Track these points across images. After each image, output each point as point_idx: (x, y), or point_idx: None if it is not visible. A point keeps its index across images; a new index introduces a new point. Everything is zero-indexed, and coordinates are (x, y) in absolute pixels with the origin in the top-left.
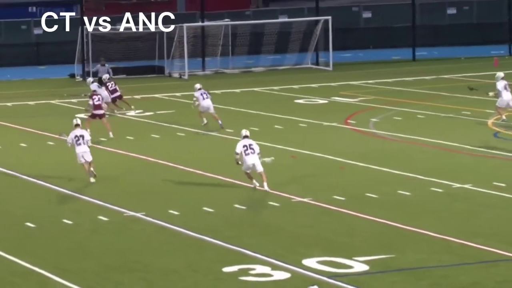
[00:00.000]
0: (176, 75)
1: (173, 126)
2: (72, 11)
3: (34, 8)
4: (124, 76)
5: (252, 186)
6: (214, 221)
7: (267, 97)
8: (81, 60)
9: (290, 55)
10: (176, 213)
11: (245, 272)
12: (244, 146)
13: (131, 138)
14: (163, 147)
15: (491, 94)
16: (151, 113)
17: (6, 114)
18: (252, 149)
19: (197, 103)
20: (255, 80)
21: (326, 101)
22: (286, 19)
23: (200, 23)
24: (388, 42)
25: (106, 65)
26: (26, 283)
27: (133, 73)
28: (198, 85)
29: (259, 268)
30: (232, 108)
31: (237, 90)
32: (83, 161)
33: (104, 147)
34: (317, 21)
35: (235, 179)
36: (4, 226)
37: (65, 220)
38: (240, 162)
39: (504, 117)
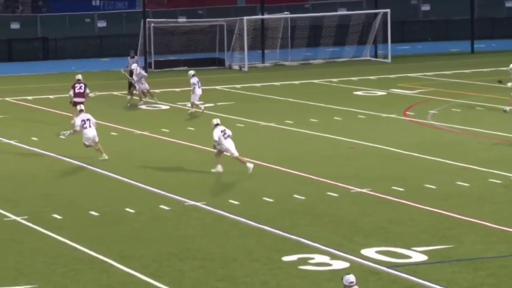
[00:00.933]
0: (236, 67)
1: (233, 117)
2: (134, 4)
3: (98, 2)
4: (185, 68)
5: (214, 169)
6: (273, 210)
7: (326, 89)
8: (143, 52)
9: (349, 47)
10: (236, 202)
11: (304, 261)
12: (222, 132)
13: (192, 129)
14: None
15: (509, 84)
16: (212, 104)
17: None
18: (228, 134)
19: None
20: (314, 72)
21: (384, 93)
22: (345, 12)
23: (260, 16)
24: (446, 35)
25: (136, 57)
26: (90, 270)
27: (194, 65)
28: (192, 72)
29: (318, 258)
30: (291, 99)
31: (296, 82)
32: (91, 143)
33: (165, 138)
34: (376, 14)
35: (294, 170)
36: (69, 214)
37: (127, 209)
38: (217, 147)
39: None
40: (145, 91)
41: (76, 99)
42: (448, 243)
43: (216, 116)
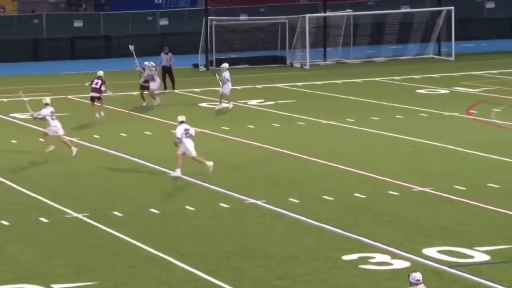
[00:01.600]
0: (297, 65)
1: (294, 115)
2: (196, 2)
3: (160, 0)
4: (246, 66)
5: (173, 173)
6: (334, 209)
7: (388, 87)
8: (204, 50)
9: (412, 45)
10: (296, 201)
11: (365, 260)
12: (184, 130)
13: (252, 127)
14: (284, 136)
15: None
16: (272, 102)
17: (131, 104)
18: (190, 134)
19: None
20: (376, 70)
21: (447, 91)
22: (409, 9)
23: (322, 14)
24: (511, 33)
25: (169, 54)
26: (150, 268)
27: (255, 63)
28: (226, 65)
29: (379, 257)
30: (353, 98)
31: (358, 80)
32: (56, 134)
33: (225, 135)
34: (439, 11)
35: (355, 168)
36: (129, 212)
37: (187, 207)
38: (179, 145)
39: None
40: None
41: (92, 94)
42: (511, 243)
43: (277, 114)
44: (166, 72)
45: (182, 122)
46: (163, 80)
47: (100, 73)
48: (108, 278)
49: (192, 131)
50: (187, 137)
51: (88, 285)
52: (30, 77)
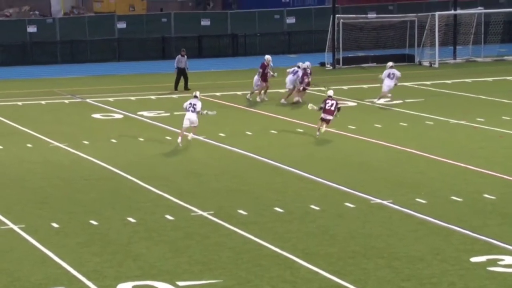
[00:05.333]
0: (426, 63)
1: (422, 114)
2: (324, 0)
3: None
4: (374, 64)
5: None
6: (462, 210)
7: None
8: (331, 48)
9: None
10: (423, 201)
11: (494, 262)
12: (189, 104)
13: (379, 126)
14: (411, 135)
15: None
16: (400, 101)
17: (257, 102)
18: (194, 107)
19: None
20: (507, 68)
21: None
22: None
23: (452, 11)
24: None
25: (185, 56)
26: (274, 266)
27: (383, 61)
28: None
29: (508, 259)
30: (483, 97)
31: (489, 79)
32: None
33: (351, 134)
34: None
35: (485, 169)
36: (254, 210)
37: (312, 206)
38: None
39: None
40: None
41: (323, 116)
42: None
43: (404, 113)
44: (182, 74)
45: (195, 97)
46: (177, 81)
47: (331, 92)
48: (232, 276)
49: (197, 106)
50: (187, 110)
51: (213, 283)
52: (158, 75)
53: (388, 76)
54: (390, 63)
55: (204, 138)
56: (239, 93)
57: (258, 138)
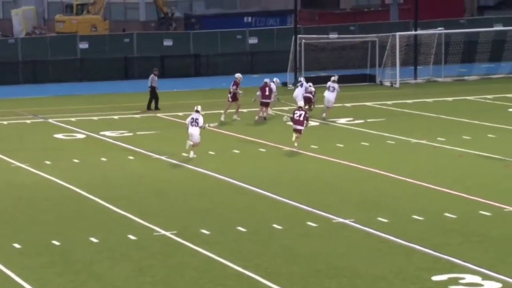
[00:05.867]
0: (387, 83)
1: (384, 134)
2: (286, 21)
3: (250, 18)
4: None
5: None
6: (424, 229)
7: (480, 106)
8: (293, 68)
9: (505, 63)
10: (385, 220)
11: (455, 281)
12: (191, 119)
13: (341, 145)
14: (373, 155)
15: None
16: (361, 121)
17: (220, 121)
18: (197, 122)
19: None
20: (468, 88)
21: None
22: (502, 28)
23: (413, 32)
24: None
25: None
26: (238, 286)
27: (345, 81)
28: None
29: (469, 278)
30: (443, 116)
31: (450, 99)
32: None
33: (314, 154)
34: None
35: (446, 188)
36: (218, 230)
37: (275, 225)
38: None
39: None
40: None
41: (294, 126)
42: None
43: (366, 133)
44: (154, 92)
45: (197, 111)
46: (150, 101)
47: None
48: None
49: (200, 120)
50: (192, 125)
51: None
52: (120, 95)
53: (328, 89)
54: (333, 77)
55: (166, 158)
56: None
57: (221, 157)
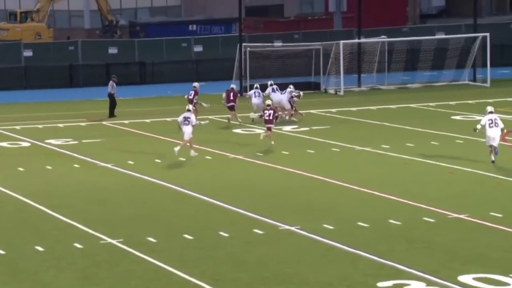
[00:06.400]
0: (331, 91)
1: (328, 141)
2: (231, 29)
3: (195, 26)
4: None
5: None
6: (369, 235)
7: (423, 113)
8: (238, 76)
9: (447, 71)
10: (330, 227)
11: (400, 287)
12: (183, 118)
13: (287, 153)
14: (318, 162)
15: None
16: (307, 128)
17: (165, 129)
18: (188, 120)
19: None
20: (411, 96)
21: (483, 118)
22: (444, 36)
23: (357, 40)
24: None
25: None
26: None
27: None
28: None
29: (414, 284)
30: (387, 124)
31: (393, 106)
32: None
33: (260, 162)
34: (475, 38)
35: (390, 195)
36: (164, 237)
37: (221, 233)
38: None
39: None
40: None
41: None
42: None
43: (311, 140)
44: (113, 99)
45: (188, 110)
46: (111, 107)
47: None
48: None
49: (192, 119)
50: (184, 124)
51: None
52: (65, 103)
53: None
54: (269, 82)
55: (112, 165)
56: (147, 120)
57: (166, 165)
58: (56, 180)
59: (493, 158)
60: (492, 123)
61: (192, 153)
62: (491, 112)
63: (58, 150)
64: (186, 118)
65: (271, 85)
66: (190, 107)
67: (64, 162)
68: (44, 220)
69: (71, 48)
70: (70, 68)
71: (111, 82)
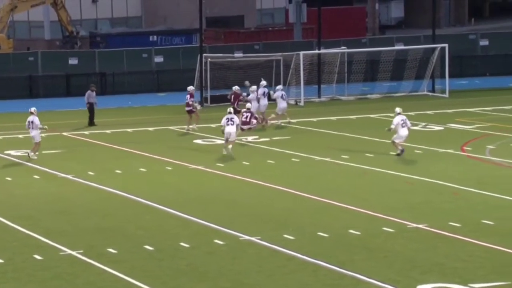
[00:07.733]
0: (292, 101)
1: (288, 151)
2: (191, 39)
3: (155, 37)
4: (241, 102)
5: (224, 150)
6: (329, 245)
7: (383, 124)
8: (199, 87)
9: (406, 82)
10: (291, 237)
11: None
12: (226, 119)
13: (247, 163)
14: (278, 172)
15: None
16: (267, 139)
17: (127, 140)
18: (232, 121)
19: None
20: (371, 106)
21: (442, 128)
22: (403, 47)
23: (316, 51)
24: (505, 70)
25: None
26: None
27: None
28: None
29: None
30: (347, 134)
31: (353, 117)
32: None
33: (220, 172)
34: (433, 49)
35: (350, 205)
36: (125, 248)
37: (182, 243)
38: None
39: None
40: None
41: (242, 126)
42: (506, 279)
43: (271, 151)
44: (92, 108)
45: (229, 113)
46: (91, 117)
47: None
48: None
49: (235, 120)
50: (227, 124)
51: None
52: (25, 114)
53: (281, 96)
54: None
55: (72, 176)
56: (108, 131)
57: (127, 176)
58: (16, 191)
59: (399, 151)
60: (404, 123)
61: (230, 149)
62: (399, 114)
63: (18, 161)
64: (230, 119)
65: (281, 90)
66: (231, 109)
67: (24, 173)
68: (4, 231)
69: (31, 58)
70: (30, 79)
71: (89, 91)
